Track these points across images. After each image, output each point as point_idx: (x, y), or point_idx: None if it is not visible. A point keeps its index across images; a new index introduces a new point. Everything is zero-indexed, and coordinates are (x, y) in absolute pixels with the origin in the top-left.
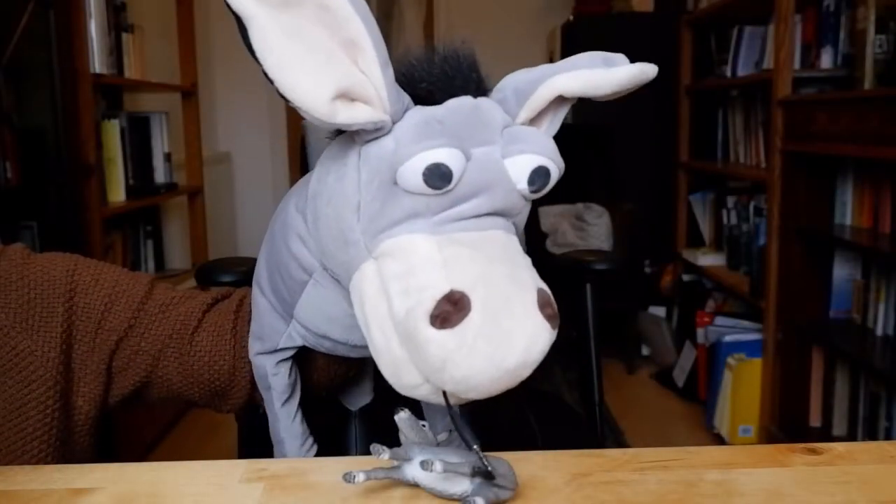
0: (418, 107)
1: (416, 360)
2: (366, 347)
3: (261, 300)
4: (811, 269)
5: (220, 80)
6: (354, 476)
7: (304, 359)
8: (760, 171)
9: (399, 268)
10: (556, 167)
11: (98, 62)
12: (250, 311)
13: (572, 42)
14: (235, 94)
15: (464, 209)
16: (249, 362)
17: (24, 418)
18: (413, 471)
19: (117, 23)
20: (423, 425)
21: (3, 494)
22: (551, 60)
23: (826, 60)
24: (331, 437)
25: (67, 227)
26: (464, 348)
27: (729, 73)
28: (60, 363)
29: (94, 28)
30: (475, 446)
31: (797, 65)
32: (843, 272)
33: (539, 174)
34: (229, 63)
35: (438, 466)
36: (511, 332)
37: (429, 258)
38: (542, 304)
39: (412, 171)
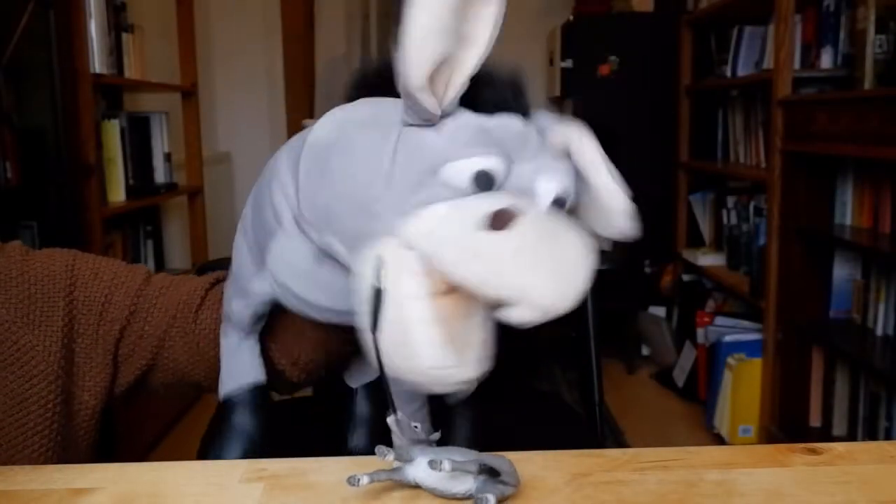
0: (466, 112)
1: (465, 275)
2: (324, 309)
3: (241, 241)
4: (811, 269)
5: (220, 80)
6: (359, 479)
7: (296, 334)
8: (760, 171)
9: (438, 214)
10: (571, 199)
11: (98, 62)
12: None
13: (572, 42)
14: (235, 94)
15: None
16: None
17: (25, 413)
18: (414, 472)
19: (117, 23)
20: (416, 427)
21: (3, 494)
22: (551, 61)
23: (826, 60)
24: (332, 417)
25: (67, 227)
26: (522, 245)
27: (729, 73)
28: (62, 358)
29: (94, 28)
30: (400, 415)
31: (797, 65)
32: (843, 272)
33: (557, 204)
34: (229, 63)
35: (447, 465)
36: (565, 243)
37: (474, 199)
38: (587, 243)
39: (463, 170)
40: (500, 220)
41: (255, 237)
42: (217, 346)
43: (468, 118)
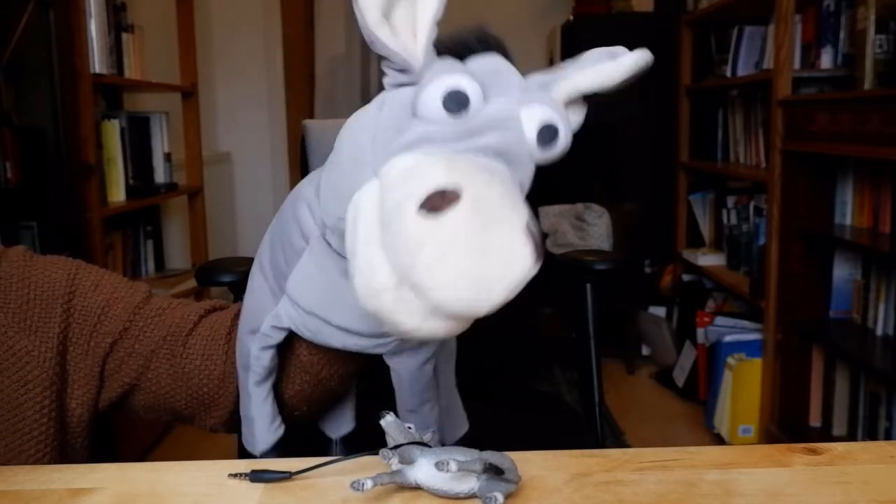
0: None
1: (392, 247)
2: (347, 332)
3: (257, 277)
4: (811, 269)
5: (220, 80)
6: (363, 484)
7: (287, 361)
8: (760, 171)
9: (404, 168)
10: (563, 129)
11: (98, 62)
12: None
13: (572, 42)
14: (235, 94)
15: (473, 143)
16: None
17: (21, 418)
18: (416, 473)
19: (117, 23)
20: (409, 427)
21: (3, 494)
22: (551, 61)
23: (826, 60)
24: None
25: (67, 227)
26: (444, 232)
27: (729, 73)
28: (56, 364)
29: (94, 28)
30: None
31: (797, 65)
32: (843, 272)
33: (549, 130)
34: (229, 63)
35: (454, 466)
36: (495, 235)
37: (432, 160)
38: (530, 232)
39: (433, 94)
40: (434, 203)
41: (274, 272)
42: (201, 374)
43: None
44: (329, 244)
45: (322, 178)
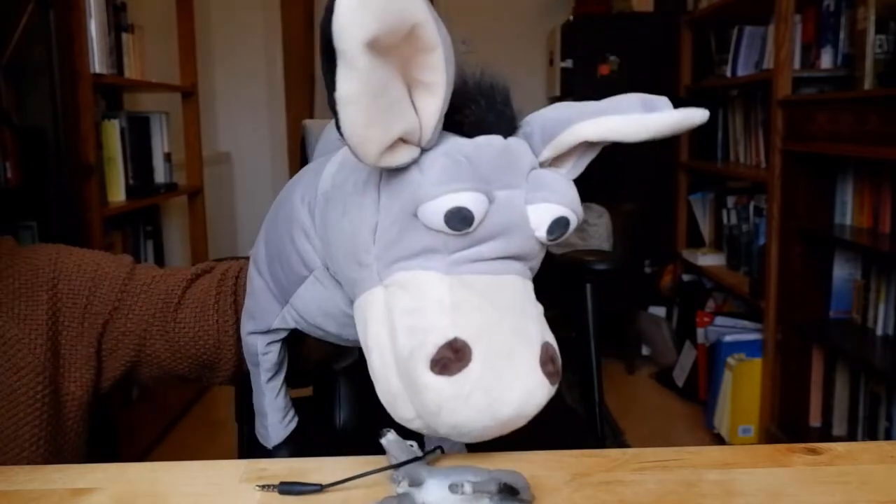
0: (447, 137)
1: (413, 399)
2: (358, 341)
3: (257, 280)
4: (811, 269)
5: (220, 80)
6: None
7: (295, 337)
8: (760, 171)
9: (408, 304)
10: (575, 217)
11: (98, 62)
12: (233, 285)
13: (572, 42)
14: (235, 94)
15: (481, 250)
16: (233, 336)
17: (15, 404)
18: (424, 496)
19: (117, 23)
20: (411, 445)
21: (3, 494)
22: (551, 61)
23: (826, 60)
24: (316, 398)
25: (67, 227)
26: (460, 398)
27: (729, 73)
28: (48, 350)
29: (94, 28)
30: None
31: (797, 65)
32: (843, 272)
33: (559, 224)
34: (229, 63)
35: (468, 488)
36: (508, 387)
37: (438, 300)
38: (544, 361)
39: (434, 211)
40: (445, 361)
41: (273, 278)
42: (196, 345)
43: (444, 148)
44: (334, 275)
45: (317, 221)
